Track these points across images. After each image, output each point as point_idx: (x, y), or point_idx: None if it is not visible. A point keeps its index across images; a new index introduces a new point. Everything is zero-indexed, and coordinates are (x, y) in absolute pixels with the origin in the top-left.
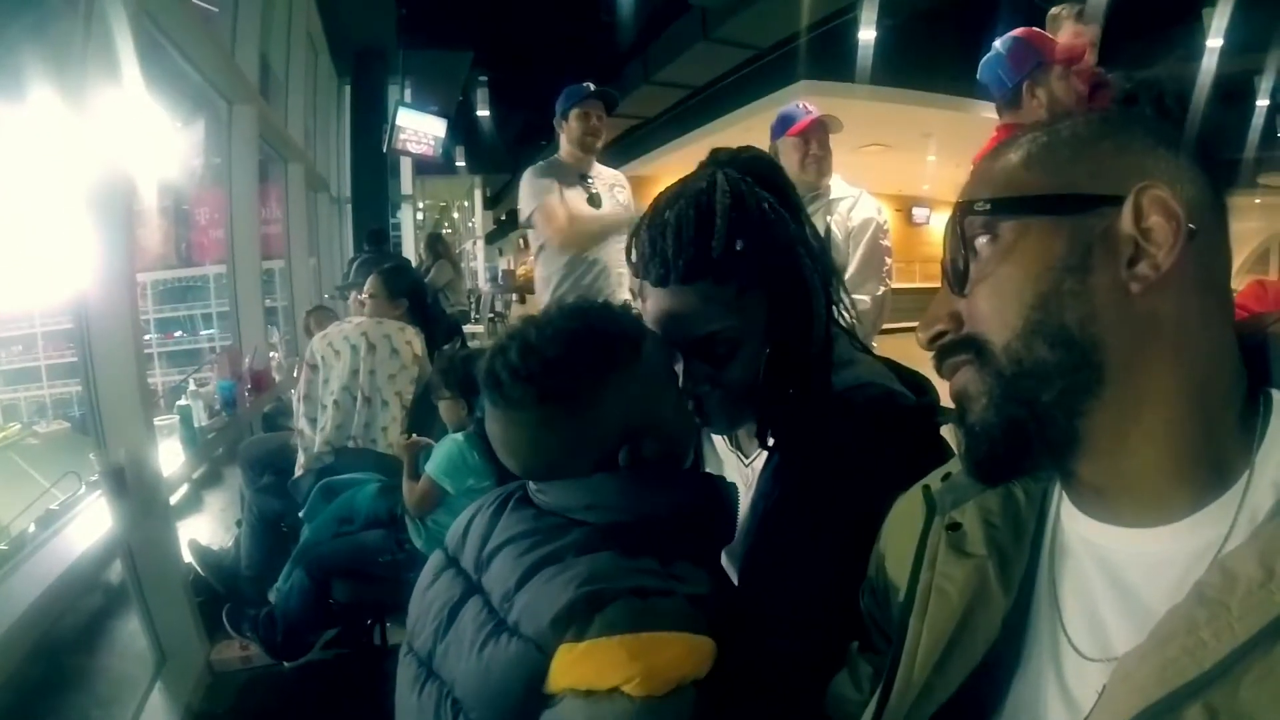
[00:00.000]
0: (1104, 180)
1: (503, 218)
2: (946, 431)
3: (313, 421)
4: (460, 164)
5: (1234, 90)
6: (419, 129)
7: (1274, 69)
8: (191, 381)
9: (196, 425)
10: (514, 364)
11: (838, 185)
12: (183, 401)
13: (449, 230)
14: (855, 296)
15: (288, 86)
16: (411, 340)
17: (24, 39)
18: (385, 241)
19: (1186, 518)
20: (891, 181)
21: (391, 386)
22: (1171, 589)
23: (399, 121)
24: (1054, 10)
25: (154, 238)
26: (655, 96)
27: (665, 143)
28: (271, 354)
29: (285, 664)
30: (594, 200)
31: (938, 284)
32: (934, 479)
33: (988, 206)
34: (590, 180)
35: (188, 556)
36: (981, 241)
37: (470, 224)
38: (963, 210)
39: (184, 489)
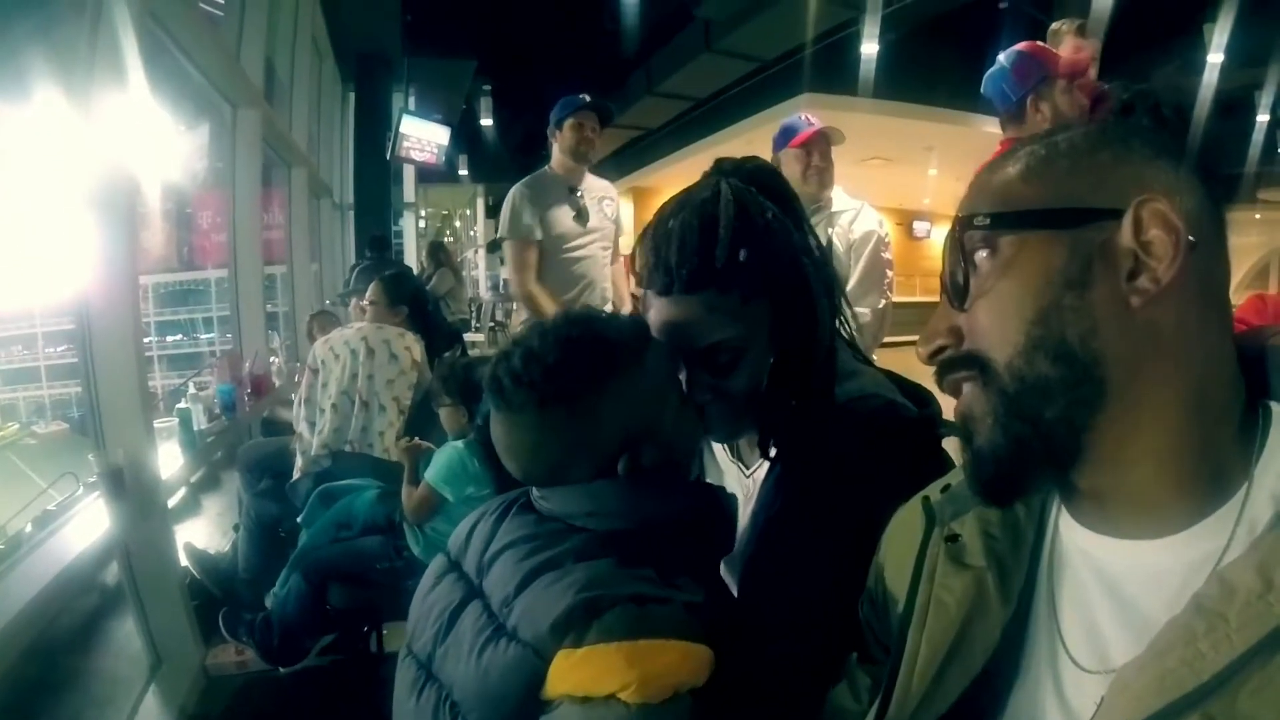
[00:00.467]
0: (1103, 193)
1: None
2: (948, 444)
3: (312, 425)
4: (463, 173)
5: (1234, 105)
6: (422, 136)
7: (1274, 85)
8: (191, 385)
9: (195, 428)
10: (517, 369)
11: (839, 197)
12: (182, 404)
13: (450, 239)
14: (856, 309)
15: (292, 91)
16: (411, 346)
17: (30, 40)
18: (387, 248)
19: (1185, 529)
20: (893, 195)
21: (389, 392)
22: (1170, 600)
23: (403, 129)
24: (1055, 25)
25: (156, 240)
26: (658, 107)
27: (667, 154)
28: (272, 359)
29: (281, 669)
30: (581, 215)
31: (938, 298)
32: (933, 490)
33: (987, 221)
34: (579, 194)
35: (184, 560)
36: (981, 256)
37: (472, 233)
38: (962, 224)
39: (182, 492)
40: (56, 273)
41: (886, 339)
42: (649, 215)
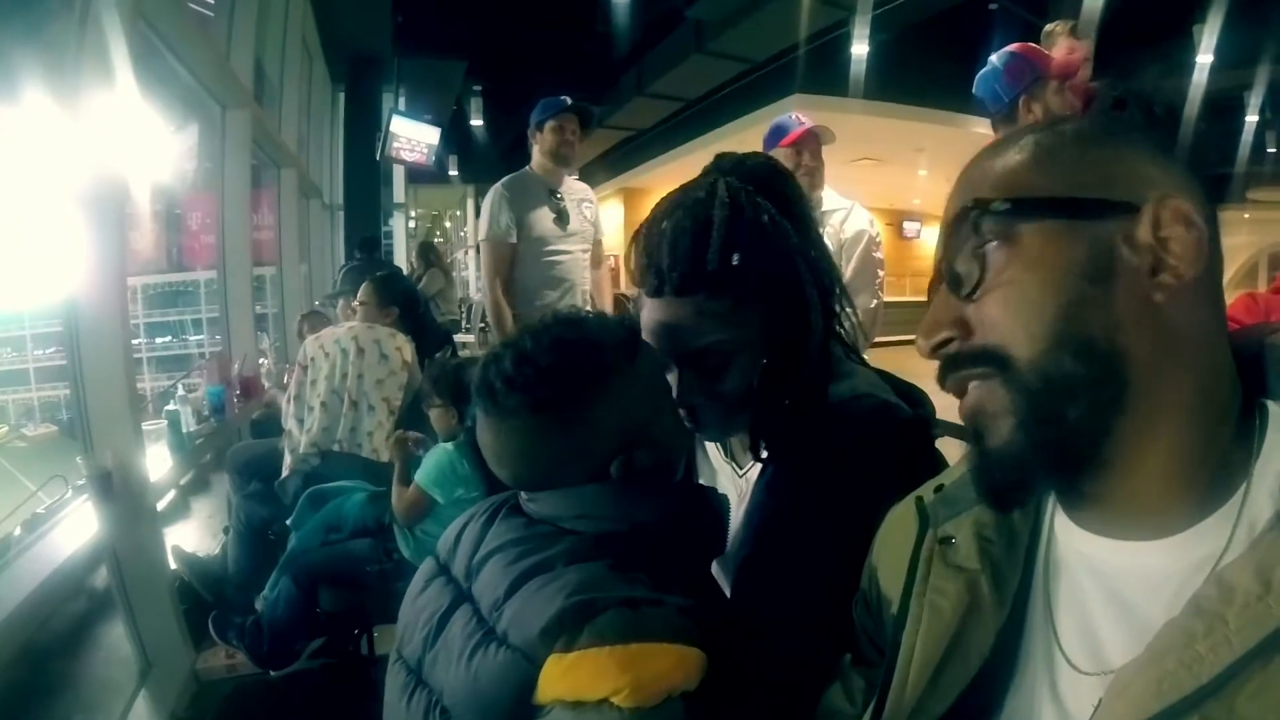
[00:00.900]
0: (1117, 186)
1: None
2: (941, 444)
3: (301, 422)
4: (453, 173)
5: (1224, 105)
6: (413, 137)
7: (1263, 85)
8: (180, 387)
9: (185, 431)
10: (508, 372)
11: (830, 197)
12: (171, 406)
13: (441, 239)
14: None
15: (282, 92)
16: (402, 346)
17: (19, 39)
18: (376, 249)
19: (1185, 530)
20: (883, 195)
21: (379, 392)
22: (1169, 602)
23: (393, 129)
24: (1049, 26)
25: (145, 241)
26: (649, 108)
27: (658, 154)
28: (261, 360)
29: (271, 673)
30: (562, 217)
31: (929, 295)
32: (926, 490)
33: (1007, 206)
34: (559, 196)
35: (174, 563)
36: (993, 244)
37: (462, 233)
38: (975, 209)
39: (171, 495)
40: (45, 274)
41: (878, 339)
42: (640, 216)
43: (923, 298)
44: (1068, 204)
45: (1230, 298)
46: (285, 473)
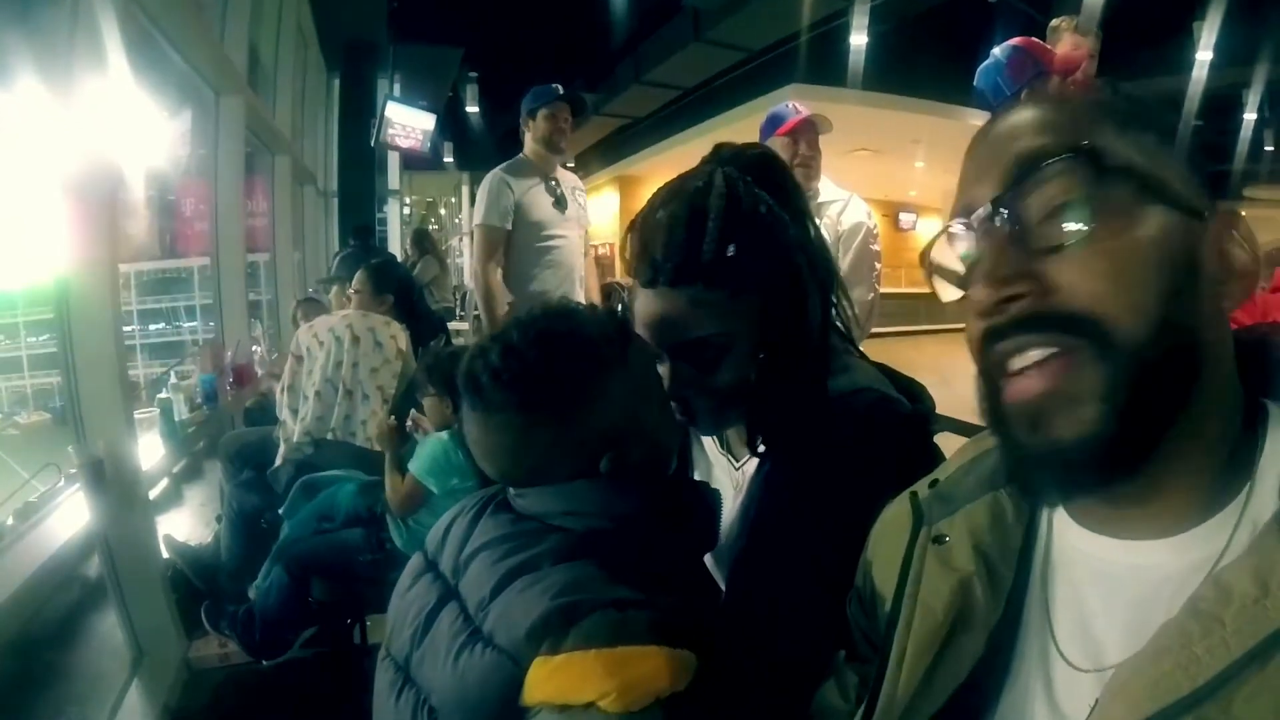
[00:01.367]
0: (1186, 186)
1: None
2: (940, 439)
3: (295, 412)
4: (448, 160)
5: (1222, 102)
6: (407, 123)
7: (1261, 83)
8: (173, 374)
9: (177, 419)
10: (495, 366)
11: (827, 188)
12: (164, 394)
13: (435, 226)
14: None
15: (276, 78)
16: (396, 335)
17: (9, 23)
18: (371, 236)
19: (1188, 531)
20: (879, 187)
21: (374, 380)
22: (1168, 601)
23: (388, 114)
24: (1055, 22)
25: (138, 228)
26: (646, 96)
27: (655, 143)
28: (254, 348)
29: (264, 662)
30: (560, 202)
31: (925, 289)
32: (921, 486)
33: (1127, 166)
34: (555, 181)
35: (166, 552)
36: (1091, 200)
37: (457, 220)
38: (1079, 154)
39: (164, 483)
40: (36, 260)
41: (875, 330)
42: (636, 204)
43: (919, 289)
44: (1169, 194)
45: None
46: (278, 461)
